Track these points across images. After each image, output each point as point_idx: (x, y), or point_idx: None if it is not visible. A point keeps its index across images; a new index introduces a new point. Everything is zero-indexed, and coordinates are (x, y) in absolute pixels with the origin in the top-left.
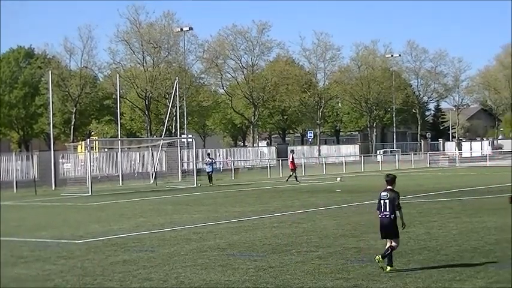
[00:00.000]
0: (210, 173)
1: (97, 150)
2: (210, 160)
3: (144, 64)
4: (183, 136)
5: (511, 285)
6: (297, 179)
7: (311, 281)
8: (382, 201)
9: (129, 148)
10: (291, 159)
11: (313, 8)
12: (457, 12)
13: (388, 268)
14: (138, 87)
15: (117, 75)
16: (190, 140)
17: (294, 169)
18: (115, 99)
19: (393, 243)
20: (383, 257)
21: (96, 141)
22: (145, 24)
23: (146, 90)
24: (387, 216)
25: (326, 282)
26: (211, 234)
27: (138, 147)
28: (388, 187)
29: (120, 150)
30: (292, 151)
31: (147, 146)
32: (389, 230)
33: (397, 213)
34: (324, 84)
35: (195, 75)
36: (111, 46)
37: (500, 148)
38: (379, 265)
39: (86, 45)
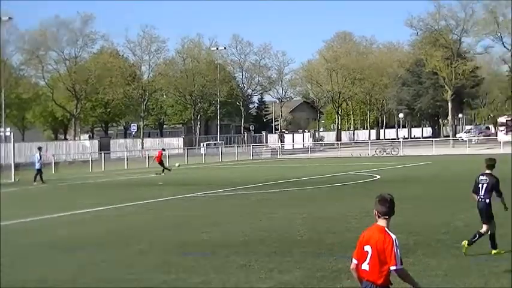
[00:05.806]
0: (40, 170)
1: None
2: (39, 156)
3: None
4: (0, 130)
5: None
6: (163, 172)
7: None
8: (480, 185)
9: None
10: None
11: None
12: (281, 7)
13: (493, 251)
14: None
15: None
16: (8, 133)
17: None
18: None
19: (484, 228)
20: (469, 244)
21: None
22: None
23: None
24: (482, 200)
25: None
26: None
27: None
28: (487, 171)
29: None
30: (163, 149)
31: None
32: (482, 213)
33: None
34: (148, 77)
35: (15, 66)
36: None
37: (321, 140)
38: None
39: None
